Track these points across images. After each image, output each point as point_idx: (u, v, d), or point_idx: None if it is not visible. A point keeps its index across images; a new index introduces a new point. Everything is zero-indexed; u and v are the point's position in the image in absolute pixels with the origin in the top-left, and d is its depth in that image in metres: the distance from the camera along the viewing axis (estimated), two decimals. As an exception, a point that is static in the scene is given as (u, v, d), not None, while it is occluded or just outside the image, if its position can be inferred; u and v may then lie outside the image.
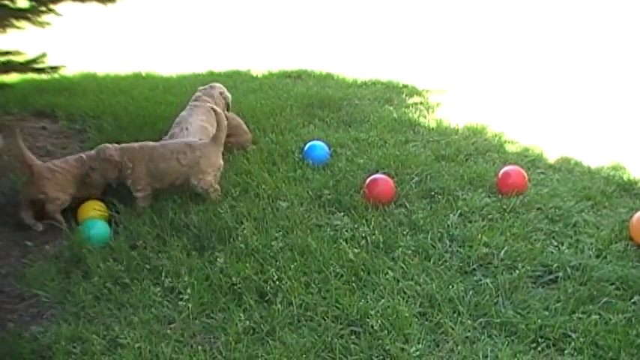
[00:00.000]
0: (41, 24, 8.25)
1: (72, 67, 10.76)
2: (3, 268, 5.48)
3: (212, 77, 11.55)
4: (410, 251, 5.35)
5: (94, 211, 6.04)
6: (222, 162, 6.36)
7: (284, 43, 15.23)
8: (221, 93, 7.55)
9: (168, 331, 4.45)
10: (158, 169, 6.13)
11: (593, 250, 5.42)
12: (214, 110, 6.39)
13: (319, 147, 7.26)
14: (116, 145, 6.18)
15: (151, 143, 6.34)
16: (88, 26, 16.56)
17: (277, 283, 4.87)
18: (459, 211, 6.03)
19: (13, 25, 8.08)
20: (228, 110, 7.62)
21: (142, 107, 8.76)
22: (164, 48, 14.90)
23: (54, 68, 8.58)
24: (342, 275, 4.99)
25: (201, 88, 7.59)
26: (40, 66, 8.43)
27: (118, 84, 10.77)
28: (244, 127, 7.71)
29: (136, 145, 6.25)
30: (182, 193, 6.32)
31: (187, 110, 7.20)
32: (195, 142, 6.36)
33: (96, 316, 4.68)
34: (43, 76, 9.44)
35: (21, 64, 8.28)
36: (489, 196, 6.37)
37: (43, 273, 5.26)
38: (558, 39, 14.72)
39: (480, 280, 4.98)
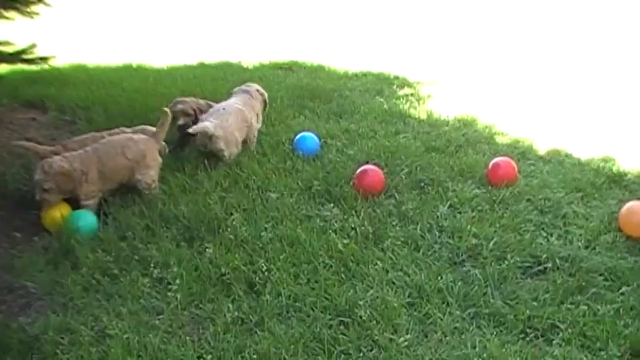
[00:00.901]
0: (30, 14, 8.21)
1: (62, 59, 10.68)
2: (-9, 260, 5.48)
3: (203, 68, 11.55)
4: (399, 242, 5.36)
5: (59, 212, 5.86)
6: (160, 159, 6.34)
7: (275, 35, 15.19)
8: (257, 90, 7.67)
9: (157, 322, 4.45)
10: (108, 169, 5.98)
11: (583, 241, 5.46)
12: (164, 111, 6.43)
13: (309, 138, 7.25)
14: (58, 157, 5.88)
15: (94, 143, 6.18)
16: (78, 17, 16.49)
17: (266, 273, 4.88)
18: (448, 203, 6.05)
19: (1, 16, 8.03)
20: (265, 107, 7.78)
21: (132, 98, 8.72)
22: (155, 39, 14.82)
23: (44, 59, 8.54)
24: (331, 266, 5.00)
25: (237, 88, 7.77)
26: (30, 57, 8.38)
27: (108, 75, 10.71)
28: None
29: (80, 151, 6.02)
30: (171, 183, 6.32)
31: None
32: (137, 137, 6.31)
33: (84, 307, 4.67)
34: (33, 67, 9.39)
35: (10, 54, 8.23)
36: (479, 188, 6.39)
37: (31, 264, 5.24)
38: (549, 31, 14.72)
39: (469, 271, 5.01)
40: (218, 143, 6.69)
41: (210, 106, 7.52)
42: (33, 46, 8.29)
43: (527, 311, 4.48)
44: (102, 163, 5.95)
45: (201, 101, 7.53)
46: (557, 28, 14.87)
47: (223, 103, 7.23)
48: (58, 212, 5.81)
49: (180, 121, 7.14)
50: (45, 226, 5.86)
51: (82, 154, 5.95)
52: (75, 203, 5.90)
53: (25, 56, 8.34)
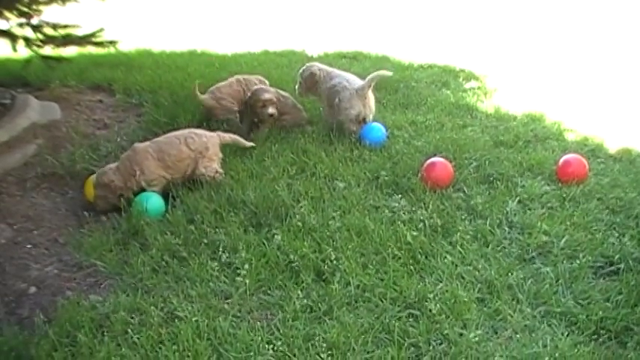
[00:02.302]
0: (101, -4, 8.38)
1: (128, 44, 10.85)
2: (61, 237, 5.57)
3: (267, 56, 11.58)
4: (468, 236, 5.28)
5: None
6: (221, 154, 6.38)
7: (339, 25, 15.17)
8: None
9: (226, 306, 4.46)
10: (170, 157, 6.04)
11: (656, 243, 5.29)
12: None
13: (376, 128, 7.20)
14: (113, 166, 5.99)
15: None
16: (143, 3, 16.69)
17: (335, 262, 4.84)
18: (517, 198, 5.94)
19: (72, -2, 8.21)
20: None
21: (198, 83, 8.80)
22: (219, 27, 14.93)
23: (111, 42, 8.66)
24: (399, 257, 4.94)
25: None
26: (98, 40, 8.51)
27: (174, 60, 10.83)
28: (299, 105, 7.70)
29: (129, 151, 6.10)
30: (239, 169, 6.36)
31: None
32: (199, 131, 6.40)
33: (153, 288, 4.71)
34: (100, 51, 9.56)
35: (79, 37, 8.37)
36: (549, 184, 6.27)
37: (101, 243, 5.32)
38: (619, 25, 14.41)
39: (540, 269, 4.90)
40: None
41: (280, 95, 7.52)
42: (101, 30, 8.44)
43: (600, 312, 4.36)
44: (162, 152, 6.03)
45: (272, 89, 7.53)
46: (628, 23, 14.54)
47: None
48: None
49: (270, 110, 7.16)
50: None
51: (129, 155, 6.04)
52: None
53: (93, 39, 8.46)
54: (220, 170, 6.25)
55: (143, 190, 5.94)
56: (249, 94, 7.43)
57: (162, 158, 6.01)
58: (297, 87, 7.87)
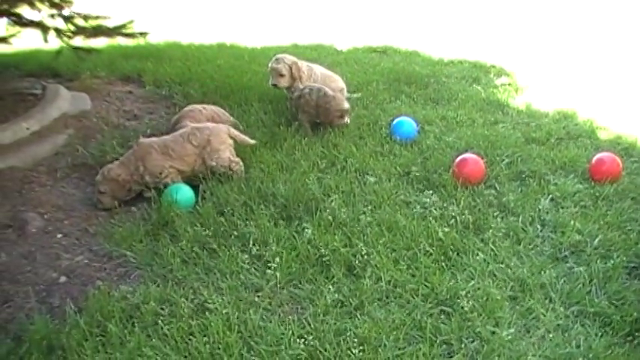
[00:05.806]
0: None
1: (157, 36, 10.85)
2: (91, 227, 5.57)
3: (296, 50, 11.53)
4: (500, 234, 5.23)
5: None
6: (231, 141, 6.28)
7: (367, 20, 15.10)
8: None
9: (256, 299, 4.45)
10: (175, 152, 6.01)
11: (692, 244, 5.20)
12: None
13: (407, 123, 7.14)
14: (117, 163, 5.98)
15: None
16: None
17: (365, 257, 4.81)
18: (550, 196, 5.88)
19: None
20: None
21: (227, 75, 8.77)
22: (249, 20, 14.92)
23: (142, 34, 8.67)
24: (431, 254, 4.91)
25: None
26: (128, 31, 8.52)
27: (203, 52, 10.82)
28: None
29: (134, 148, 6.09)
30: (269, 162, 6.34)
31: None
32: (202, 125, 6.34)
33: (184, 279, 4.71)
34: (130, 42, 9.57)
35: (109, 29, 8.39)
36: (581, 183, 6.19)
37: (131, 234, 5.32)
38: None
39: (573, 268, 4.85)
40: None
41: None
42: (131, 21, 8.44)
43: (635, 313, 4.29)
44: (166, 147, 6.00)
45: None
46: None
47: None
48: None
49: (346, 120, 7.28)
50: None
51: (134, 150, 6.03)
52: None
53: (123, 30, 8.48)
54: (236, 159, 6.20)
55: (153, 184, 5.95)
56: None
57: (166, 152, 5.99)
58: (276, 80, 7.78)
